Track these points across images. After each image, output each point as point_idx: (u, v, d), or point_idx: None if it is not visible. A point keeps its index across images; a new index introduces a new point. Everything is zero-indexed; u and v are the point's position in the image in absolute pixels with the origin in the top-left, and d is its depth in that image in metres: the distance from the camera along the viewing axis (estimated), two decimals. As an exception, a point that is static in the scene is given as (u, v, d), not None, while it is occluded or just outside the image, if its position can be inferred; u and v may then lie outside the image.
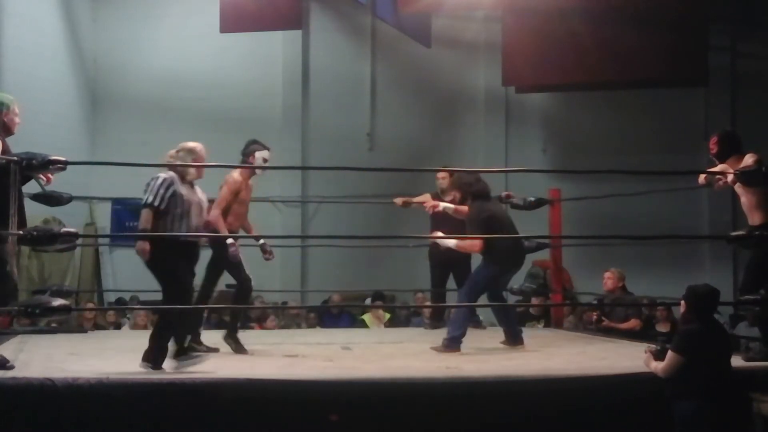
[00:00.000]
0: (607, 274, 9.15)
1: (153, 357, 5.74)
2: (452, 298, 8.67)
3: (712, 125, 13.13)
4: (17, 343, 7.19)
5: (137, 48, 13.80)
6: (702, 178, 6.79)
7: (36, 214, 8.52)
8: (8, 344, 7.01)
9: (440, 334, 7.72)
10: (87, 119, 13.62)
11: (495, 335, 7.66)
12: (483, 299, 7.54)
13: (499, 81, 13.14)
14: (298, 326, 10.90)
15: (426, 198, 8.51)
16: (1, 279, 5.58)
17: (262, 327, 10.52)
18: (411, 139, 13.94)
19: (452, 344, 6.98)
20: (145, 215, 5.88)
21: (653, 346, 5.47)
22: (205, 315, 8.19)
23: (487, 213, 7.13)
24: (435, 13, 13.56)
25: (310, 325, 10.95)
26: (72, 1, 13.17)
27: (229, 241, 6.78)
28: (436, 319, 9.22)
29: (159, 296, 6.00)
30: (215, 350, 6.77)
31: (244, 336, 7.28)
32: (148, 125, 13.38)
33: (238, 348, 6.96)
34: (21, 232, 5.45)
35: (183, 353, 5.81)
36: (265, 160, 7.12)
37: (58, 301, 5.52)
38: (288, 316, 11.29)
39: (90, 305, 11.36)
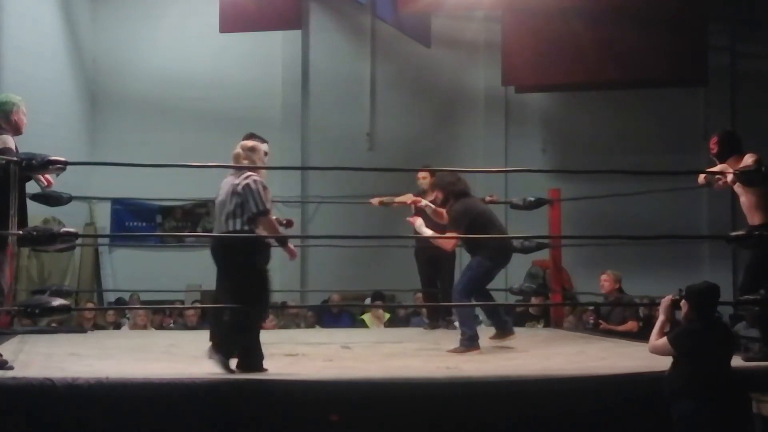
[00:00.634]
0: (604, 277, 9.13)
1: (251, 362, 5.69)
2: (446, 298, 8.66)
3: (711, 125, 13.16)
4: (17, 343, 7.18)
5: (136, 48, 13.80)
6: (702, 178, 6.79)
7: (36, 214, 8.51)
8: (8, 344, 7.00)
9: (440, 334, 7.71)
10: (87, 119, 13.63)
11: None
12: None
13: (498, 81, 13.14)
14: (298, 326, 10.90)
15: (408, 197, 8.54)
16: None
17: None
18: (411, 139, 13.93)
19: (471, 343, 7.02)
20: (268, 223, 5.79)
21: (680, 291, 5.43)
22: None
23: (475, 211, 7.23)
24: (435, 13, 13.55)
25: (310, 325, 10.96)
26: (72, 1, 13.18)
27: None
28: (434, 319, 9.22)
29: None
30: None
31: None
32: (147, 125, 13.41)
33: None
34: (21, 232, 5.45)
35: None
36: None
37: (57, 301, 5.53)
38: (287, 316, 11.28)
39: (90, 305, 11.33)
